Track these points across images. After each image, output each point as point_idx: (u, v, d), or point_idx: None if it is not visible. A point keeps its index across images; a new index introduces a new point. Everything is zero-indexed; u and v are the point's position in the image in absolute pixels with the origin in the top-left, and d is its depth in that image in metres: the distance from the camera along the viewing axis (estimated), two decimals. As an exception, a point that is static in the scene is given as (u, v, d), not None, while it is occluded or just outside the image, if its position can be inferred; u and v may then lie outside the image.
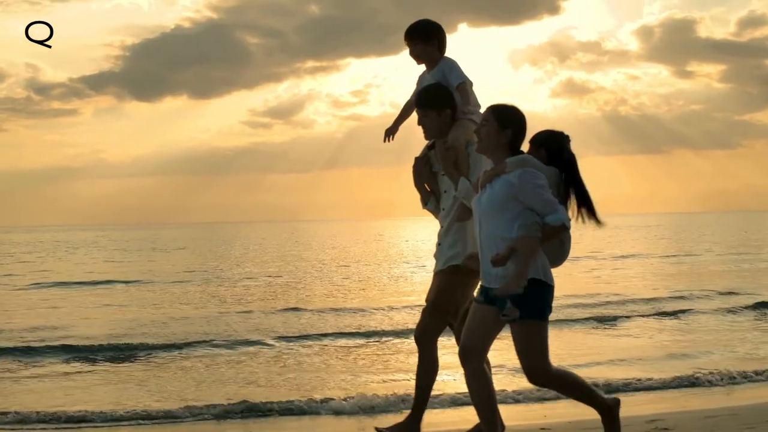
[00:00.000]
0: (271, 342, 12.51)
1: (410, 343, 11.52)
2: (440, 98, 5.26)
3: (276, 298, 20.31)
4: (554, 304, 4.70)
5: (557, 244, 4.75)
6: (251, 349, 11.96)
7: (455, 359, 4.72)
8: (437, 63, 5.40)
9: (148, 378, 9.86)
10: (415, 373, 5.38)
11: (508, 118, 4.76)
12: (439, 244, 5.38)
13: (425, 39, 5.39)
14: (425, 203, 5.51)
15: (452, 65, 5.37)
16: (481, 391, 4.71)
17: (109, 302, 19.91)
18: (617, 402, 4.84)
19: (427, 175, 5.45)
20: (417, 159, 5.48)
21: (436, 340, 5.33)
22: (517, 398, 7.85)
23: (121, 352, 11.68)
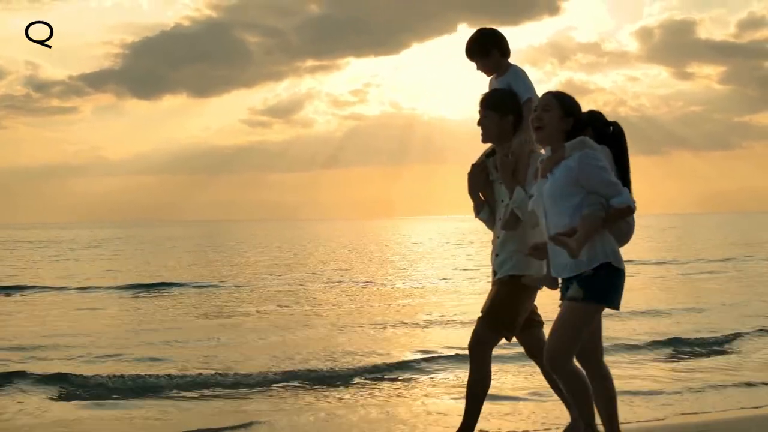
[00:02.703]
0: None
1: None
2: (505, 103, 5.21)
3: (411, 305, 18.96)
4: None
5: (622, 223, 4.66)
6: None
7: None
8: (506, 71, 5.37)
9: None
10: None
11: (572, 107, 4.68)
12: (496, 255, 5.29)
13: (483, 53, 5.37)
14: (478, 212, 5.41)
15: (518, 77, 5.33)
16: (577, 388, 4.67)
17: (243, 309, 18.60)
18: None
19: (483, 183, 5.36)
20: (473, 166, 5.37)
21: (490, 352, 5.26)
22: None
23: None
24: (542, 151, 4.85)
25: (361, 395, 8.89)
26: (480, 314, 5.28)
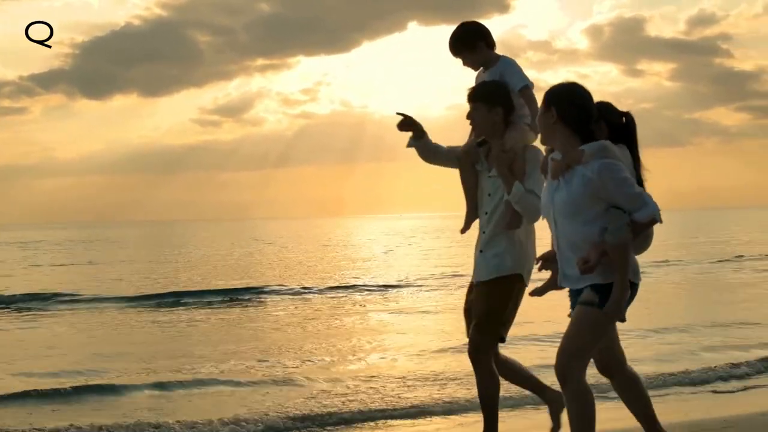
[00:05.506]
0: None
1: None
2: (493, 95, 5.06)
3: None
4: None
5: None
6: None
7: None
8: (495, 63, 5.21)
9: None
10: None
11: (551, 94, 4.36)
12: (481, 251, 5.14)
13: (469, 47, 5.22)
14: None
15: (511, 68, 5.17)
16: (580, 412, 4.25)
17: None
18: None
19: (468, 171, 5.19)
20: (463, 151, 5.20)
21: (492, 356, 5.10)
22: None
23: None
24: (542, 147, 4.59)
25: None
26: (475, 320, 5.10)
